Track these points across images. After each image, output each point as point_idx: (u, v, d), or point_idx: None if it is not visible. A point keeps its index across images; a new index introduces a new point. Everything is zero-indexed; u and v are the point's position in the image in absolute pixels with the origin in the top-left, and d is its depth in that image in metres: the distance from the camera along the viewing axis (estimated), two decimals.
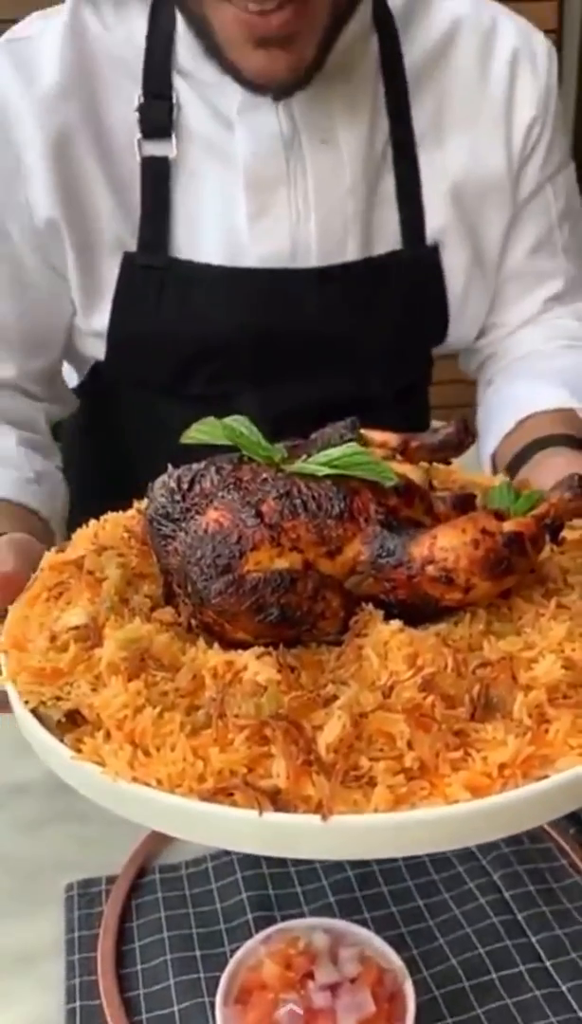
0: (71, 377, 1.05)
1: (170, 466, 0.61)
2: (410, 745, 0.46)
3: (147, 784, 0.47)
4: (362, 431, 0.68)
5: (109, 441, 1.06)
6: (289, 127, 0.88)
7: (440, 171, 0.94)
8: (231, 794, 0.46)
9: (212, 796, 0.46)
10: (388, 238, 0.94)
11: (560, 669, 0.48)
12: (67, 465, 0.98)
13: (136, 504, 0.69)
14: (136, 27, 0.90)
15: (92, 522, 0.68)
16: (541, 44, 0.96)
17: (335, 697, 0.49)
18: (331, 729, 0.46)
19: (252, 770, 0.46)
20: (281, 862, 0.73)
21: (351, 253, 0.92)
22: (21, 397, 0.97)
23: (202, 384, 0.96)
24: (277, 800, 0.45)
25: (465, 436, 0.70)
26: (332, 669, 0.51)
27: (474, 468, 0.85)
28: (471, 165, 0.95)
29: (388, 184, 0.93)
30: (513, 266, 1.00)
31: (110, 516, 0.69)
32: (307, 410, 0.94)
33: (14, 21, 0.93)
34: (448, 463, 0.73)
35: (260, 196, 0.89)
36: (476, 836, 0.45)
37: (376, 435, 0.69)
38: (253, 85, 0.82)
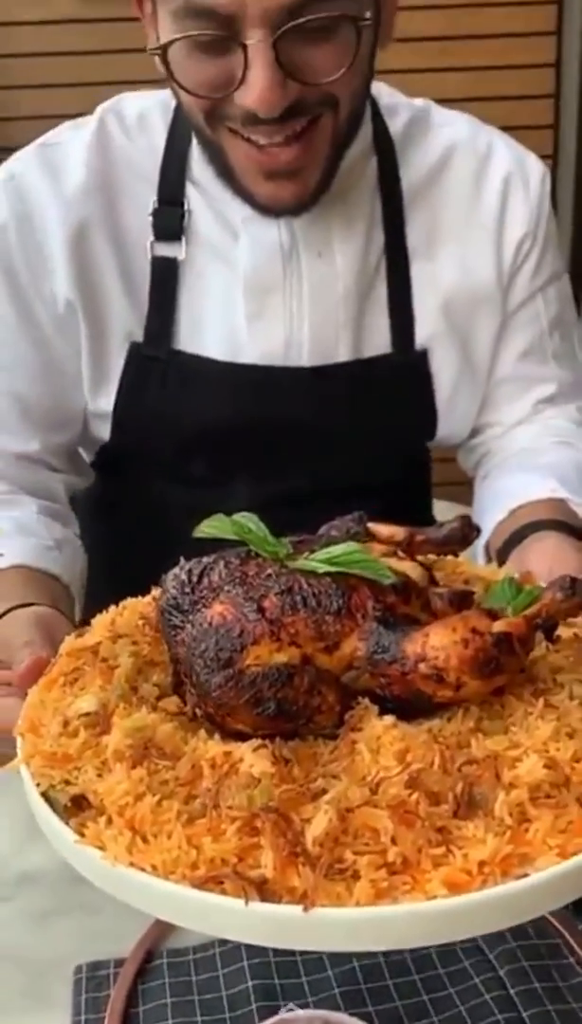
0: (86, 481, 1.11)
1: (182, 558, 0.64)
2: (394, 840, 0.47)
3: (143, 870, 0.49)
4: (370, 524, 0.71)
5: (116, 516, 1.12)
6: (289, 239, 0.95)
7: (431, 282, 1.00)
8: (222, 882, 0.48)
9: (203, 884, 0.48)
10: (378, 343, 1.00)
11: (542, 769, 0.50)
12: (80, 536, 1.03)
13: (153, 591, 0.72)
14: (156, 138, 0.98)
15: (112, 608, 0.71)
16: (535, 166, 1.03)
17: (324, 791, 0.51)
18: (318, 823, 0.48)
19: (242, 860, 0.48)
20: (288, 950, 0.73)
21: (342, 355, 0.99)
22: (43, 469, 1.03)
23: (202, 467, 1.02)
24: (264, 890, 0.47)
25: (469, 531, 0.73)
26: (325, 763, 0.53)
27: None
28: (462, 278, 1.00)
29: (380, 292, 0.99)
30: (504, 370, 1.05)
31: (129, 602, 0.72)
32: (302, 494, 1.00)
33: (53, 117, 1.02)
34: (456, 555, 0.76)
35: (258, 299, 0.96)
36: (454, 932, 0.46)
37: (383, 529, 0.72)
38: (262, 209, 0.90)
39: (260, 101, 0.79)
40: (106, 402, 1.00)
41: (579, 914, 0.76)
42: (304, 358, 0.98)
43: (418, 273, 1.00)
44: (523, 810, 0.49)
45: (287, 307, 0.96)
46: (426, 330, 1.01)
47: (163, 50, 0.82)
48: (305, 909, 0.45)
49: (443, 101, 1.05)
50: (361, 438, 1.02)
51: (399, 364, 1.01)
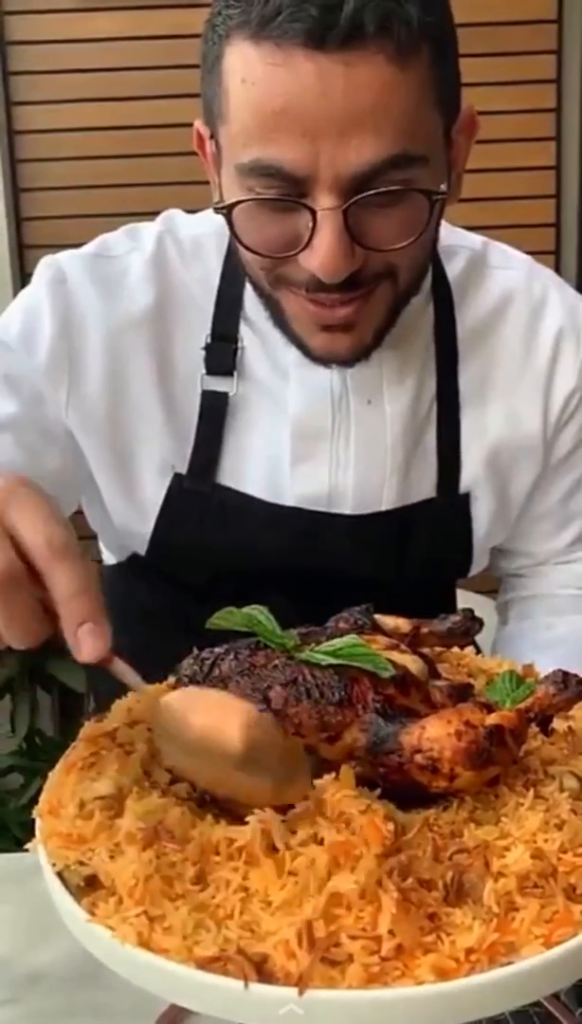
0: (109, 558, 1.12)
1: (195, 648, 0.68)
2: None
3: (149, 950, 0.52)
4: (376, 616, 0.75)
5: (139, 609, 1.10)
6: (340, 386, 0.95)
7: (479, 429, 1.00)
8: (224, 963, 0.50)
9: (206, 964, 0.50)
10: (423, 488, 1.00)
11: (529, 859, 0.52)
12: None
13: (169, 678, 0.76)
14: (211, 269, 0.96)
15: (130, 694, 0.75)
16: None
17: None
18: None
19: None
20: None
21: (386, 503, 0.98)
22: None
23: (233, 591, 0.99)
24: (263, 971, 0.49)
25: (472, 625, 0.76)
26: None
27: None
28: (509, 428, 1.00)
29: (430, 439, 0.99)
30: (543, 510, 1.06)
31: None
32: (330, 615, 1.00)
33: None
34: (461, 647, 0.79)
35: (304, 444, 0.96)
36: (442, 1018, 0.48)
37: (389, 620, 0.76)
38: (315, 359, 0.89)
39: (325, 267, 0.78)
40: (142, 526, 0.99)
41: (578, 1000, 0.76)
42: (348, 505, 0.97)
43: (468, 419, 0.99)
44: (511, 899, 0.51)
45: (334, 453, 0.96)
46: (470, 475, 1.00)
47: (229, 209, 0.80)
48: (300, 992, 0.48)
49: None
50: (398, 580, 1.00)
51: (442, 507, 1.00)
